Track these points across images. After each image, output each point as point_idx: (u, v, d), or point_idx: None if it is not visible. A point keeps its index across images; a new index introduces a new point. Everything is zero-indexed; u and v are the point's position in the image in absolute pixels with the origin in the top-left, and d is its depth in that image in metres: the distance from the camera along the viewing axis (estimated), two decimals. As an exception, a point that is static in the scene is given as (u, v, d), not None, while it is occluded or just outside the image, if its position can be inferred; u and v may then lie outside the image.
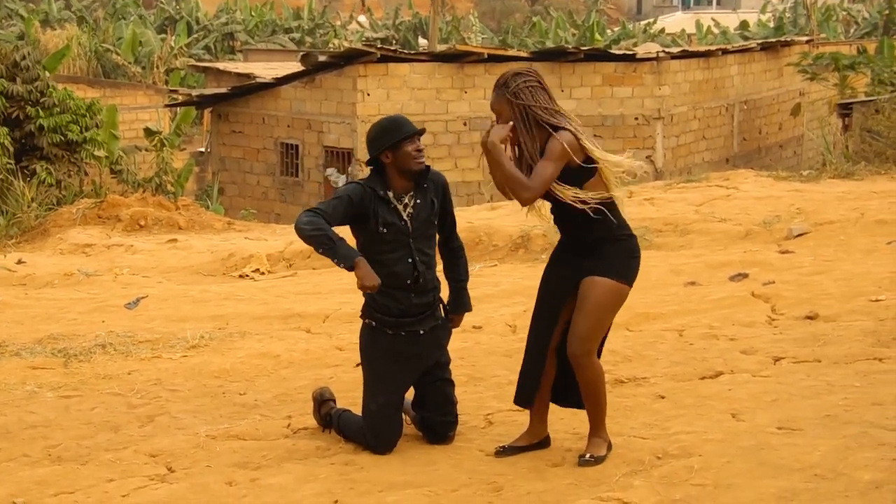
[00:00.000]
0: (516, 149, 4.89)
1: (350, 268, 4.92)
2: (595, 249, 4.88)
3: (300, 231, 4.97)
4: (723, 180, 12.79)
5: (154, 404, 6.17)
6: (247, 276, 10.69)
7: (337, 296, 9.04)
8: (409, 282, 5.17)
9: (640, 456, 4.97)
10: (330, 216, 4.99)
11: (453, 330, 5.45)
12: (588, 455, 4.97)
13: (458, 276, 5.40)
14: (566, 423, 5.41)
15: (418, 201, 5.17)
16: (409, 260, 5.14)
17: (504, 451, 5.15)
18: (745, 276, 8.45)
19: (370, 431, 5.23)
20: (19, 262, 11.17)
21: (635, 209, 11.19)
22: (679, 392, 5.92)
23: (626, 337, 7.13)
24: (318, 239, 4.93)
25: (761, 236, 9.95)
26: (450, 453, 5.21)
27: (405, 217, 5.14)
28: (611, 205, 4.87)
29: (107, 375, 6.82)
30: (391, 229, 5.11)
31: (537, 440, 5.18)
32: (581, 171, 4.82)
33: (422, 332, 5.23)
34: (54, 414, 6.06)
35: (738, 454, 4.86)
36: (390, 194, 5.14)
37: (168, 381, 6.60)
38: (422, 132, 5.17)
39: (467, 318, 7.77)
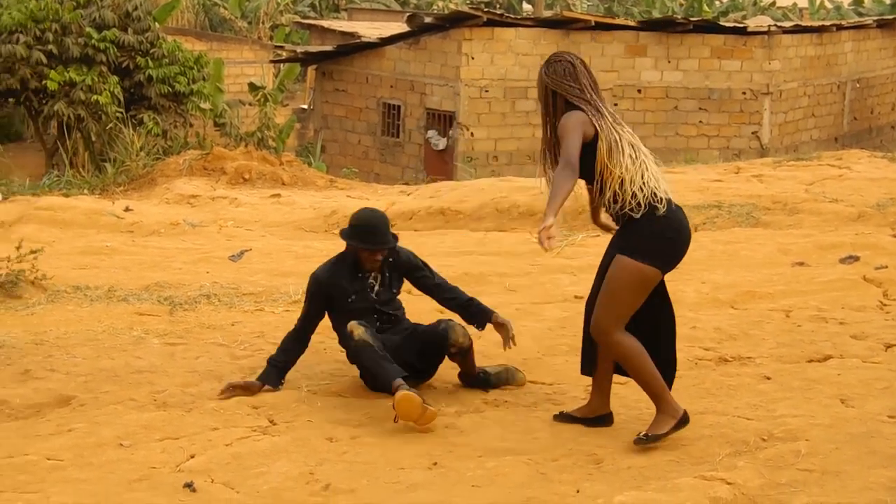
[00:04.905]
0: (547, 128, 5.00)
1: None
2: (624, 226, 4.85)
3: None
4: (835, 160, 12.47)
5: (257, 356, 6.23)
6: (348, 234, 10.72)
7: (440, 259, 9.01)
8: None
9: (744, 437, 4.88)
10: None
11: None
12: (643, 433, 4.85)
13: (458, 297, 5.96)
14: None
15: (385, 275, 5.74)
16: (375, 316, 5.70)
17: (560, 417, 5.20)
18: (857, 258, 8.23)
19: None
20: (127, 209, 11.35)
21: (743, 185, 10.98)
22: (785, 374, 5.80)
23: (731, 315, 7.00)
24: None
25: (874, 219, 9.67)
26: (550, 423, 5.19)
27: (372, 293, 5.69)
28: (629, 181, 4.77)
29: (211, 325, 6.92)
30: (359, 297, 5.65)
31: (594, 415, 5.12)
32: (587, 146, 4.76)
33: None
34: (160, 360, 6.16)
35: (847, 441, 4.75)
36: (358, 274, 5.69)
37: (270, 335, 6.65)
38: (384, 248, 5.61)
39: (569, 288, 7.76)
